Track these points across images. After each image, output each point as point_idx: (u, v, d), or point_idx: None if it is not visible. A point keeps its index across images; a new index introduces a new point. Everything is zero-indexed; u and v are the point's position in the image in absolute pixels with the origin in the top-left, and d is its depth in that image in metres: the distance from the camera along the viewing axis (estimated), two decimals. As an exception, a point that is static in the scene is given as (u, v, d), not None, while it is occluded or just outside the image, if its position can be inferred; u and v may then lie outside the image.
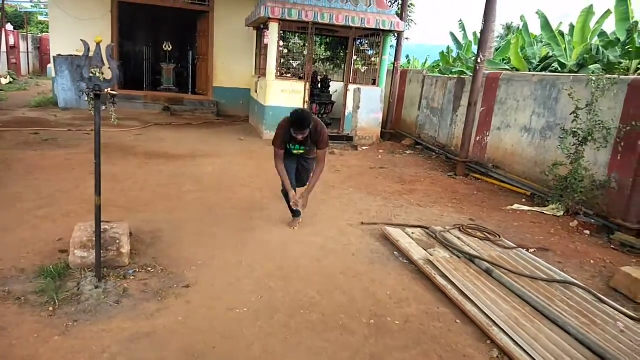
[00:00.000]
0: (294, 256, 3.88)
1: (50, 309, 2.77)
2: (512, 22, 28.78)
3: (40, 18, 25.32)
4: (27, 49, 22.09)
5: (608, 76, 5.69)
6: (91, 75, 2.81)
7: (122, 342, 2.52)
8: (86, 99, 2.87)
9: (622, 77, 5.65)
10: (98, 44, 2.81)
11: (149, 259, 3.57)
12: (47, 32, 24.34)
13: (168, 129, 9.99)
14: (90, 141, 7.78)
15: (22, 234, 3.85)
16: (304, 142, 4.19)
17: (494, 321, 2.90)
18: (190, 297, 3.07)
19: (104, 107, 2.92)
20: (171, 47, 14.32)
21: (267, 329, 2.77)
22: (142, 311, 2.85)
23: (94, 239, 3.16)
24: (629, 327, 3.00)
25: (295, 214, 4.62)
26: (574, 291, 3.44)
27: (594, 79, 5.56)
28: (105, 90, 2.85)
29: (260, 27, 10.96)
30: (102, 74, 2.84)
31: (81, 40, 2.87)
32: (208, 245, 3.95)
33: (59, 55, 11.13)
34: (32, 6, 24.34)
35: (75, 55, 11.07)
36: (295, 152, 4.36)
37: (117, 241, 3.35)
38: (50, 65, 12.52)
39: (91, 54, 2.82)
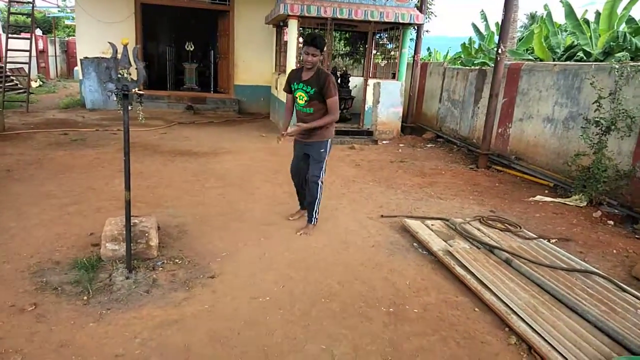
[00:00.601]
0: (315, 248, 3.97)
1: (85, 298, 2.93)
2: (536, 11, 28.19)
3: (67, 22, 26.02)
4: (55, 52, 22.74)
5: (632, 63, 5.58)
6: (119, 76, 2.96)
7: (153, 329, 2.66)
8: (115, 98, 3.01)
9: (646, 64, 5.54)
10: (125, 46, 2.94)
11: (176, 252, 3.72)
12: (74, 35, 25.04)
13: (191, 127, 10.21)
14: (118, 141, 8.07)
15: (56, 229, 4.05)
16: (309, 81, 3.95)
17: (512, 309, 2.94)
18: (216, 287, 3.20)
19: (130, 107, 3.06)
20: (193, 47, 14.57)
21: (288, 317, 2.87)
22: (170, 300, 2.99)
23: (124, 232, 3.32)
24: (650, 315, 3.00)
25: (302, 204, 4.63)
26: (595, 280, 3.43)
27: (617, 66, 5.47)
28: (133, 90, 2.99)
29: (279, 24, 11.07)
30: (130, 74, 2.97)
31: (109, 42, 3.01)
32: (232, 239, 4.08)
33: (86, 57, 11.48)
34: (59, 11, 25.06)
35: (101, 58, 11.39)
36: (299, 99, 4.07)
37: (146, 234, 3.51)
38: (77, 68, 12.93)
39: (119, 55, 2.96)
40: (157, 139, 8.58)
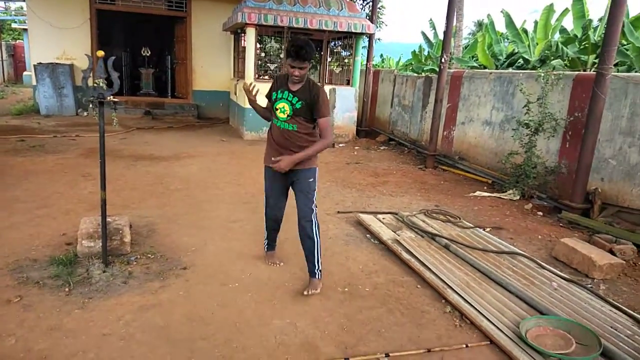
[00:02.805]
0: (278, 241, 4.33)
1: (67, 289, 3.18)
2: (482, 19, 29.77)
3: (14, 25, 25.14)
4: (1, 57, 21.95)
5: (555, 72, 6.31)
6: (95, 85, 3.24)
7: (134, 312, 2.96)
8: (91, 106, 3.29)
9: (567, 72, 6.29)
10: (101, 58, 3.23)
11: (147, 248, 4.00)
12: (21, 39, 24.19)
13: (151, 132, 10.32)
14: (77, 146, 8.14)
15: (27, 231, 4.22)
16: (297, 93, 3.24)
17: (448, 285, 3.44)
18: (188, 277, 3.52)
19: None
20: (149, 52, 14.59)
21: (256, 298, 3.24)
22: (147, 289, 3.29)
23: (99, 230, 3.60)
24: (562, 285, 3.58)
25: (270, 246, 3.90)
26: (520, 260, 4.00)
27: (542, 74, 6.18)
28: (108, 97, 3.28)
29: (237, 31, 11.37)
30: (105, 83, 3.26)
31: (85, 54, 3.29)
32: (200, 235, 4.39)
33: (40, 63, 11.32)
34: (3, 13, 24.19)
35: (56, 64, 11.30)
36: (279, 112, 3.28)
37: (120, 231, 3.78)
38: (28, 73, 12.70)
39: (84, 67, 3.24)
40: (117, 144, 8.67)
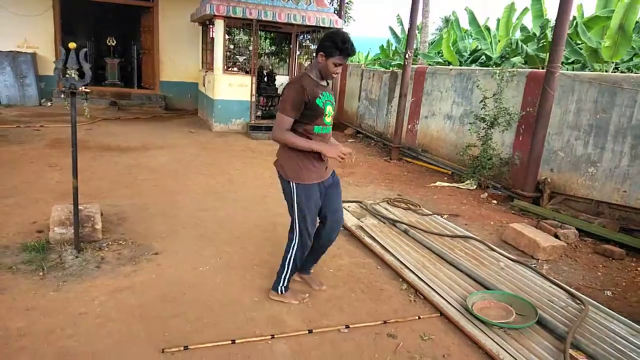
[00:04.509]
0: (248, 228, 4.53)
1: (41, 274, 3.28)
2: (450, 15, 30.51)
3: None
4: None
5: (510, 69, 6.70)
6: (67, 75, 3.33)
7: (108, 293, 3.10)
8: (63, 96, 3.37)
9: (520, 70, 6.69)
10: (73, 49, 3.32)
11: (118, 235, 4.11)
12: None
13: (117, 123, 10.23)
14: (41, 137, 8.04)
15: (-4, 220, 4.26)
16: (330, 91, 2.97)
17: (405, 265, 3.72)
18: (160, 261, 3.67)
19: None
20: (115, 42, 14.34)
21: (226, 280, 3.43)
22: (120, 272, 3.42)
23: (71, 217, 3.69)
24: (508, 265, 3.92)
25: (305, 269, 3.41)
26: (472, 243, 4.33)
27: (497, 71, 6.55)
28: (80, 88, 3.37)
29: (205, 22, 11.36)
30: (77, 74, 3.35)
31: (61, 46, 3.37)
32: (171, 223, 4.52)
33: (-1, 51, 11.02)
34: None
35: (17, 52, 11.02)
36: (328, 116, 2.91)
37: (92, 218, 3.88)
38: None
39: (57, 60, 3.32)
40: (82, 134, 8.56)
